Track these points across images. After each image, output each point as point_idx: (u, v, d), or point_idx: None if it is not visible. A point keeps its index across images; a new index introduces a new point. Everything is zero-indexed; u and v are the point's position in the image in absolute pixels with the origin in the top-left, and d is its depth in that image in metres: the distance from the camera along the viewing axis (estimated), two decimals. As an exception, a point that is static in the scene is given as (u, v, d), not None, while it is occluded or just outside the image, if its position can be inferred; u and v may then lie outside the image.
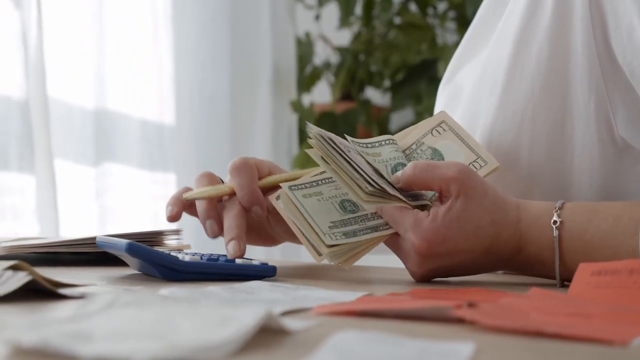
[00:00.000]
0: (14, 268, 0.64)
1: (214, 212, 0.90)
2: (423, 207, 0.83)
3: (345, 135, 0.86)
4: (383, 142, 0.89)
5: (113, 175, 1.78)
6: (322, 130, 0.83)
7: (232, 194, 0.90)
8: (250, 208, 0.90)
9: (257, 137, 2.25)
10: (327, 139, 0.82)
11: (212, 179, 0.93)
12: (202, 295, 0.64)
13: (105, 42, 1.74)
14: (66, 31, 1.64)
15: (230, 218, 0.89)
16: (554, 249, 0.82)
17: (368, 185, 0.80)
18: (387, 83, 2.51)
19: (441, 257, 0.81)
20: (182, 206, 0.92)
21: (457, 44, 2.38)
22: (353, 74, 2.47)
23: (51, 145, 1.49)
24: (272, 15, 2.30)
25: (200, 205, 0.91)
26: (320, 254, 0.82)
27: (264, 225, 0.97)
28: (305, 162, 2.26)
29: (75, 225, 1.63)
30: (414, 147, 0.90)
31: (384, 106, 2.55)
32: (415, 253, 0.81)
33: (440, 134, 0.90)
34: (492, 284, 0.84)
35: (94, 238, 0.91)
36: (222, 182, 0.93)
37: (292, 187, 0.84)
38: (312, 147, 0.83)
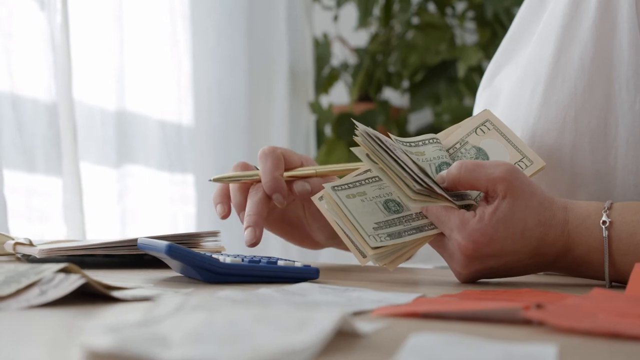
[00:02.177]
0: (64, 271, 0.63)
1: (245, 202, 0.91)
2: (468, 207, 0.82)
3: (389, 134, 0.85)
4: (427, 141, 0.87)
5: (133, 177, 1.77)
6: (369, 128, 0.81)
7: (260, 181, 0.91)
8: (272, 195, 0.91)
9: (275, 138, 2.24)
10: (374, 137, 0.80)
11: (246, 167, 0.94)
12: (256, 298, 0.63)
13: (125, 44, 1.73)
14: (86, 33, 1.63)
15: (251, 204, 0.91)
16: (603, 250, 0.80)
17: (416, 184, 0.79)
18: (405, 84, 2.50)
19: (487, 258, 0.80)
20: (229, 201, 0.93)
21: (476, 44, 2.37)
22: (371, 74, 2.45)
23: (77, 148, 1.48)
24: (289, 16, 2.29)
25: (234, 196, 0.93)
26: (364, 256, 0.81)
27: (302, 223, 0.96)
28: (323, 163, 2.24)
29: (99, 226, 1.62)
30: (457, 146, 0.88)
31: (402, 107, 2.54)
32: (461, 254, 0.80)
33: (484, 132, 0.89)
34: (533, 284, 0.82)
35: (133, 240, 0.90)
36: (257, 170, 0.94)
37: (335, 188, 0.83)
38: (358, 145, 0.82)
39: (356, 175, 0.85)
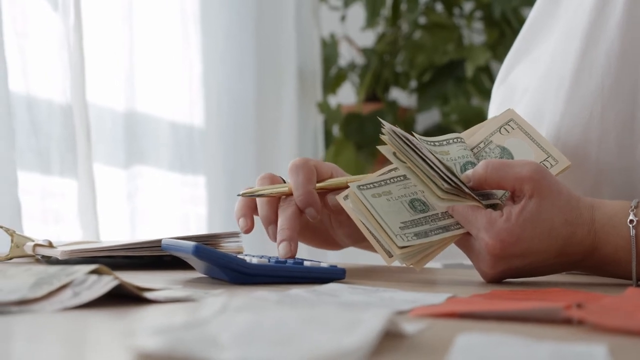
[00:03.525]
0: (95, 272, 0.62)
1: (274, 217, 0.89)
2: (494, 207, 0.81)
3: (413, 133, 0.85)
4: (451, 141, 0.87)
5: (143, 178, 1.76)
6: (395, 127, 0.81)
7: (291, 194, 0.89)
8: (304, 209, 0.88)
9: (283, 138, 2.23)
10: (401, 135, 0.80)
11: (273, 179, 0.92)
12: (290, 299, 0.62)
13: (135, 45, 1.73)
14: (97, 35, 1.63)
15: (284, 218, 0.88)
16: (630, 249, 0.80)
17: (444, 183, 0.78)
18: (413, 84, 2.49)
19: (514, 257, 0.80)
20: (252, 214, 0.91)
21: (484, 44, 2.37)
22: (378, 75, 2.45)
23: (91, 150, 1.48)
24: (297, 17, 2.28)
25: (262, 209, 0.90)
26: (390, 256, 0.80)
27: (326, 229, 0.95)
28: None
29: (110, 228, 1.62)
30: (482, 145, 0.88)
31: (409, 107, 2.53)
32: (488, 253, 0.79)
33: (508, 132, 0.88)
34: (558, 284, 0.82)
35: (156, 241, 0.89)
36: (284, 182, 0.92)
37: (361, 187, 0.82)
38: (385, 144, 0.81)
39: (381, 175, 0.84)
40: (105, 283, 0.60)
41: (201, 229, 1.93)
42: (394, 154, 0.81)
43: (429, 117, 2.54)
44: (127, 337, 0.42)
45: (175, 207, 1.86)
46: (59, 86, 1.41)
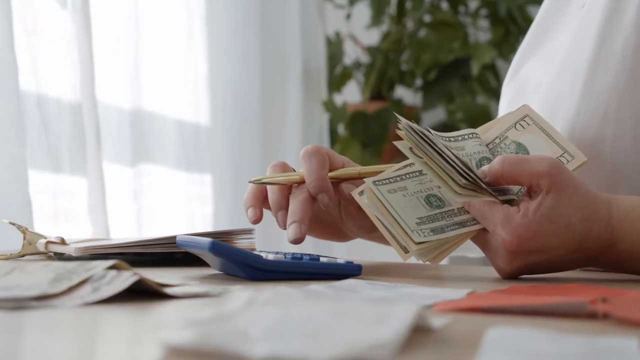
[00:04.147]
0: (113, 268, 0.62)
1: (285, 202, 0.88)
2: (510, 202, 0.81)
3: (429, 129, 0.84)
4: (466, 136, 0.86)
5: (149, 176, 1.76)
6: (412, 122, 0.81)
7: (302, 182, 0.88)
8: (316, 195, 0.87)
9: (288, 136, 2.23)
10: (417, 131, 0.80)
11: (285, 168, 0.91)
12: (311, 295, 0.62)
13: (141, 44, 1.72)
14: (103, 33, 1.62)
15: (295, 203, 0.87)
16: (648, 244, 0.79)
17: (462, 178, 0.78)
18: (418, 82, 2.49)
19: (531, 253, 0.79)
20: (261, 204, 0.90)
21: (489, 42, 2.36)
22: (383, 73, 2.44)
23: (101, 148, 1.48)
24: (302, 15, 2.28)
25: (272, 196, 0.89)
26: (406, 252, 0.80)
27: (335, 221, 0.95)
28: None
29: (117, 226, 1.62)
30: (497, 141, 0.88)
31: (415, 105, 2.53)
32: (505, 249, 0.79)
33: (524, 128, 0.88)
34: (574, 280, 0.81)
35: (170, 238, 0.89)
36: (296, 172, 0.91)
37: (377, 182, 0.82)
38: (401, 139, 0.81)
39: (396, 170, 0.84)
40: (125, 279, 0.59)
41: (207, 227, 1.92)
42: (411, 149, 0.80)
43: (434, 115, 2.53)
44: (153, 331, 0.42)
45: (182, 206, 1.86)
46: (69, 84, 1.40)
